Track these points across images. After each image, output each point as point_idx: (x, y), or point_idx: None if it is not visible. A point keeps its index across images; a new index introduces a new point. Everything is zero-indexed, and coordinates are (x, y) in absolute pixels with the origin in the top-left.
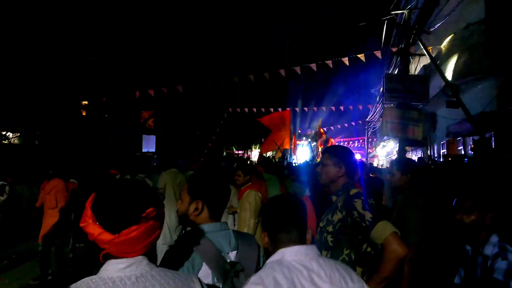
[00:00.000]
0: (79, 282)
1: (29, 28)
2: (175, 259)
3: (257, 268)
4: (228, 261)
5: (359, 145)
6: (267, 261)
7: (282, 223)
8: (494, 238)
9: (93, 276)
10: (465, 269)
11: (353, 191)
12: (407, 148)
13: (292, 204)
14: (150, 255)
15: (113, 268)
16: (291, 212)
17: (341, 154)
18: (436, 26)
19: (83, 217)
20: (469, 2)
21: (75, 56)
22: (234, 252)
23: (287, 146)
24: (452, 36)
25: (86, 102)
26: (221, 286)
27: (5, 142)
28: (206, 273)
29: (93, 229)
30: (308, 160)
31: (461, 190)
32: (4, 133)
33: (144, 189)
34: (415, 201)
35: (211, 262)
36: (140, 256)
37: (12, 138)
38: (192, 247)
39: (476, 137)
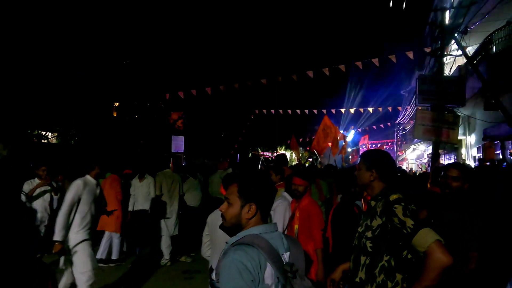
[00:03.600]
0: None
1: (65, 31)
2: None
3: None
4: (284, 262)
5: (387, 148)
6: None
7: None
8: None
9: None
10: None
11: (393, 197)
12: (440, 151)
13: None
14: None
15: None
16: None
17: (373, 158)
18: (474, 26)
19: None
20: (508, 1)
21: (110, 59)
22: (288, 253)
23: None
24: (491, 35)
25: (117, 104)
26: (280, 286)
27: (45, 141)
28: (269, 274)
29: None
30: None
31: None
32: (43, 133)
33: None
34: (473, 208)
35: (275, 263)
36: None
37: (51, 138)
38: (256, 248)
39: None
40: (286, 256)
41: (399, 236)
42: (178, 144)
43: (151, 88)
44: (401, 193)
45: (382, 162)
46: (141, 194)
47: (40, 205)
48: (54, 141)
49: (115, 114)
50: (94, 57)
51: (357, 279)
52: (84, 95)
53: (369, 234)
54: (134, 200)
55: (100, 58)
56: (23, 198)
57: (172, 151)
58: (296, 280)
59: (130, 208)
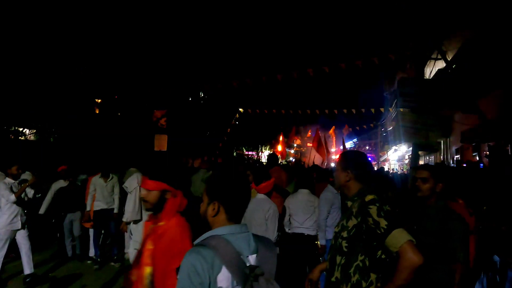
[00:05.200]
0: None
1: (42, 25)
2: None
3: (276, 271)
4: (247, 264)
5: (370, 149)
6: None
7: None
8: None
9: None
10: (488, 279)
11: (369, 197)
12: (420, 153)
13: None
14: None
15: None
16: None
17: (348, 159)
18: (453, 30)
19: None
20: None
21: (89, 53)
22: (254, 256)
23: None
24: (468, 40)
25: (99, 100)
26: None
27: (22, 138)
28: (225, 277)
29: None
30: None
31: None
32: (21, 129)
33: None
34: (456, 214)
35: (231, 266)
36: None
37: (29, 134)
38: (212, 250)
39: (491, 143)
40: (251, 259)
41: (373, 237)
42: (161, 142)
43: (134, 85)
44: (377, 194)
45: (357, 163)
46: (106, 193)
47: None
48: (32, 138)
49: (97, 111)
50: (75, 52)
51: (333, 279)
52: (64, 90)
53: (344, 234)
54: (96, 200)
55: (82, 52)
56: (12, 198)
57: (155, 149)
58: (259, 284)
59: (88, 208)
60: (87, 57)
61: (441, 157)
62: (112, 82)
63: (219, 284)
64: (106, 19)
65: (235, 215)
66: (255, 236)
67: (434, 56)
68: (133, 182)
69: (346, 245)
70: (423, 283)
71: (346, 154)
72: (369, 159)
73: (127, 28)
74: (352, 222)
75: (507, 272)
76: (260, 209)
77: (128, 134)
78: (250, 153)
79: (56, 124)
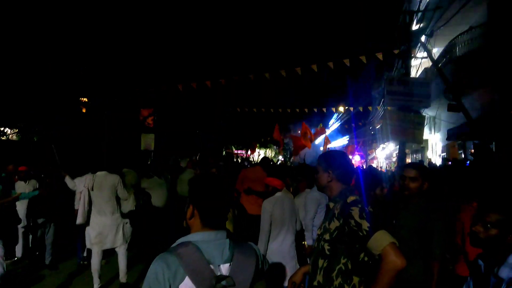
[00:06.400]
0: None
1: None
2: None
3: (253, 282)
4: (217, 274)
5: (358, 147)
6: None
7: None
8: None
9: None
10: (474, 284)
11: (351, 199)
12: (406, 151)
13: None
14: None
15: None
16: None
17: (329, 159)
18: (438, 29)
19: None
20: (472, 6)
21: (75, 52)
22: (227, 265)
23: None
24: (454, 39)
25: (85, 99)
26: None
27: (3, 138)
28: (189, 287)
29: None
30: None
31: (487, 200)
32: (1, 129)
33: None
34: (438, 212)
35: (196, 275)
36: None
37: (11, 134)
38: (176, 257)
39: (476, 141)
40: (223, 268)
41: (355, 239)
42: (148, 142)
43: (121, 84)
44: (359, 194)
45: (338, 163)
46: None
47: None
48: (14, 137)
49: (84, 110)
50: (60, 50)
51: (315, 283)
52: (49, 89)
53: (327, 236)
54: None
55: (67, 50)
56: None
57: (142, 148)
58: None
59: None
60: (73, 55)
61: (428, 155)
62: (99, 81)
63: None
64: (91, 16)
65: (211, 221)
66: (235, 244)
67: (420, 55)
68: (80, 184)
69: (329, 247)
70: (400, 277)
71: (326, 155)
72: (353, 158)
73: (113, 25)
74: (335, 224)
75: (490, 277)
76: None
77: (115, 133)
78: (239, 152)
79: (40, 124)
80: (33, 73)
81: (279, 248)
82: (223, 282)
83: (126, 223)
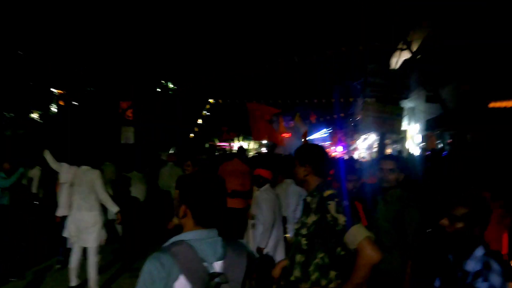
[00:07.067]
0: None
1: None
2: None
3: (245, 279)
4: (210, 272)
5: (339, 137)
6: None
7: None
8: (479, 252)
9: None
10: (442, 280)
11: (327, 193)
12: (386, 141)
13: None
14: None
15: None
16: None
17: (305, 153)
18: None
19: None
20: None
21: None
22: (220, 262)
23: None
24: (432, 32)
25: (61, 91)
26: None
27: None
28: (183, 285)
29: None
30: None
31: (453, 194)
32: None
33: None
34: (412, 202)
35: (190, 273)
36: None
37: None
38: (170, 256)
39: (452, 132)
40: (216, 266)
41: (332, 233)
42: (128, 135)
43: (100, 75)
44: (336, 188)
45: (314, 156)
46: None
47: None
48: None
49: (61, 103)
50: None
51: (292, 278)
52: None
53: (304, 231)
54: None
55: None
56: None
57: (122, 142)
58: None
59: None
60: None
61: (407, 145)
62: (77, 72)
63: None
64: (70, 8)
65: (204, 220)
66: (226, 241)
67: (400, 46)
68: (64, 173)
69: (306, 242)
70: (381, 269)
71: (303, 149)
72: (335, 149)
73: (92, 17)
74: (311, 218)
75: (457, 272)
76: None
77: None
78: (222, 144)
79: (15, 117)
80: (7, 64)
81: (273, 241)
82: (217, 279)
83: (105, 223)
